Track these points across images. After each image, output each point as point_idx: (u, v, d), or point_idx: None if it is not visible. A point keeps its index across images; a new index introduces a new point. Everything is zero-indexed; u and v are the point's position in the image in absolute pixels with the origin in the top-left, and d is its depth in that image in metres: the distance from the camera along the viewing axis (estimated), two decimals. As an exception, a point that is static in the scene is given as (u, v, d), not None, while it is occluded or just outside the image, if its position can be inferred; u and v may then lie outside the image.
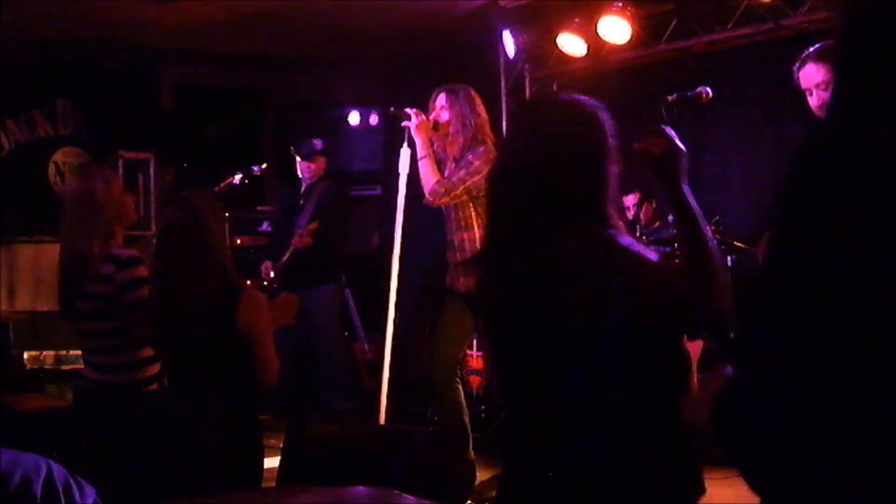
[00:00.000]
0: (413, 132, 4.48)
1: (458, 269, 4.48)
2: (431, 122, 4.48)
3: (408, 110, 4.49)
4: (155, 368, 3.59)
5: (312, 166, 6.18)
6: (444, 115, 4.48)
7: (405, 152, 4.54)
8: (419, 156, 4.46)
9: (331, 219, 6.04)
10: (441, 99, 4.51)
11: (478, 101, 4.51)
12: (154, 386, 3.58)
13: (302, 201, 6.16)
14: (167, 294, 3.18)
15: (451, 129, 4.46)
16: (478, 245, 4.42)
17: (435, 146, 4.52)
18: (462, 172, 4.36)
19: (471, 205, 4.42)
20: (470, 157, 4.38)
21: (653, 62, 6.09)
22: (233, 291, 3.13)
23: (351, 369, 6.67)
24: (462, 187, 4.35)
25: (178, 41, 7.24)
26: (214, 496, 2.90)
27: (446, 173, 4.46)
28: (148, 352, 3.53)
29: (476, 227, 4.43)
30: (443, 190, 4.37)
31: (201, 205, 3.21)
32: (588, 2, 5.90)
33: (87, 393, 3.68)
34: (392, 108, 4.62)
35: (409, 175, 4.63)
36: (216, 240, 3.18)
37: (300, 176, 6.24)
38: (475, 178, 4.34)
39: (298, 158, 6.20)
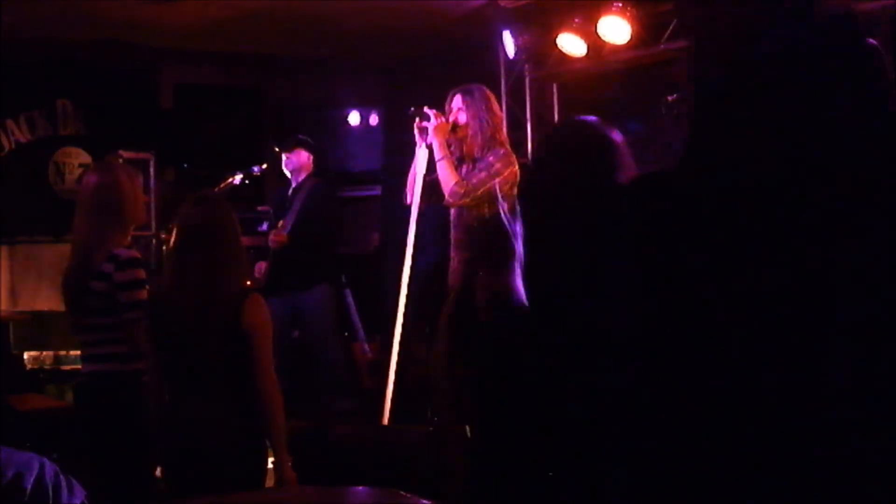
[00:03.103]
0: (431, 133, 4.49)
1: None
2: (451, 124, 4.50)
3: (427, 111, 4.51)
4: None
5: (293, 158, 6.15)
6: (462, 117, 4.51)
7: (422, 152, 4.55)
8: (437, 157, 4.48)
9: (317, 217, 6.02)
10: (457, 100, 4.53)
11: (493, 100, 4.55)
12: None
13: (290, 200, 6.15)
14: (178, 293, 3.18)
15: (469, 131, 4.48)
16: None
17: (451, 147, 4.54)
18: (483, 174, 4.38)
19: (486, 206, 4.44)
20: (491, 158, 4.41)
21: (653, 62, 6.09)
22: (238, 293, 3.15)
23: (351, 369, 6.67)
24: (483, 189, 4.38)
25: (178, 41, 7.24)
26: (215, 496, 2.90)
27: (463, 173, 4.47)
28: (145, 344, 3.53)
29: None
30: (462, 191, 4.39)
31: (219, 206, 3.24)
32: (588, 2, 5.90)
33: (87, 385, 3.69)
34: (412, 108, 4.63)
35: (403, 176, 4.64)
36: (232, 241, 3.20)
37: (285, 171, 6.23)
38: (496, 180, 4.37)
39: (281, 153, 6.19)
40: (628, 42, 5.87)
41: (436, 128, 4.48)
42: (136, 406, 3.48)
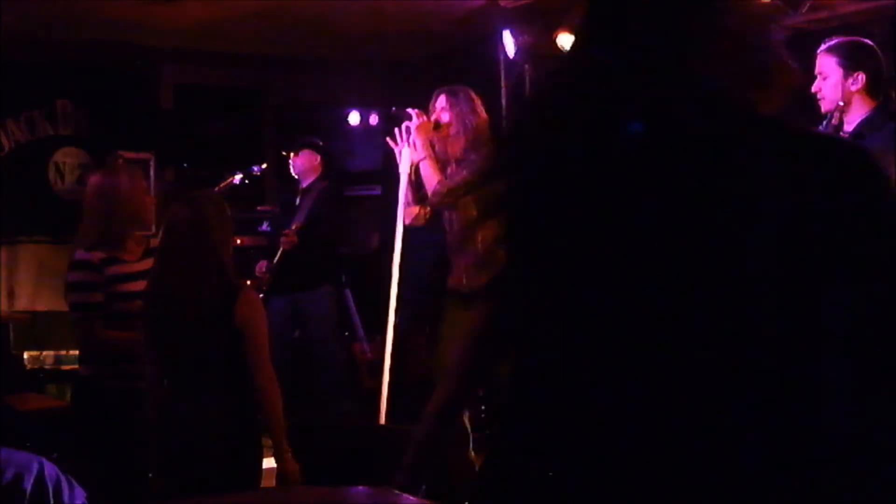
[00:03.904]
0: (413, 133, 4.49)
1: (462, 269, 4.49)
2: (432, 122, 4.50)
3: (409, 110, 4.51)
4: (126, 366, 3.55)
5: (297, 160, 6.14)
6: (445, 117, 4.50)
7: (406, 153, 4.55)
8: (420, 157, 4.47)
9: (325, 220, 6.02)
10: (441, 100, 4.52)
11: (478, 101, 4.53)
12: (126, 383, 3.55)
13: (298, 201, 6.15)
14: (165, 291, 3.20)
15: (451, 131, 4.48)
16: (479, 246, 4.43)
17: (436, 147, 4.53)
18: (465, 172, 4.37)
19: (472, 205, 4.42)
20: (474, 157, 4.39)
21: (653, 62, 6.08)
22: (230, 288, 3.15)
23: (351, 370, 6.67)
24: (466, 188, 4.36)
25: (178, 41, 7.24)
26: (214, 496, 2.90)
27: (448, 174, 4.47)
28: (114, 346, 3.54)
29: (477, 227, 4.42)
30: (445, 190, 4.38)
31: (207, 205, 3.25)
32: (588, 2, 5.90)
33: (77, 387, 3.74)
34: (393, 109, 4.64)
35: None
36: (218, 241, 3.20)
37: (294, 175, 6.23)
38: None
39: (288, 156, 6.19)
40: (628, 42, 5.86)
41: (417, 127, 4.47)
42: (108, 410, 3.50)
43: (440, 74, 5.31)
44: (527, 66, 6.78)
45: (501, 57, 6.73)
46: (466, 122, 4.45)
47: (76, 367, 4.82)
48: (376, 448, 4.06)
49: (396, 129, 4.59)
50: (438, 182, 4.40)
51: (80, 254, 3.60)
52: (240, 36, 7.13)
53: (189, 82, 8.02)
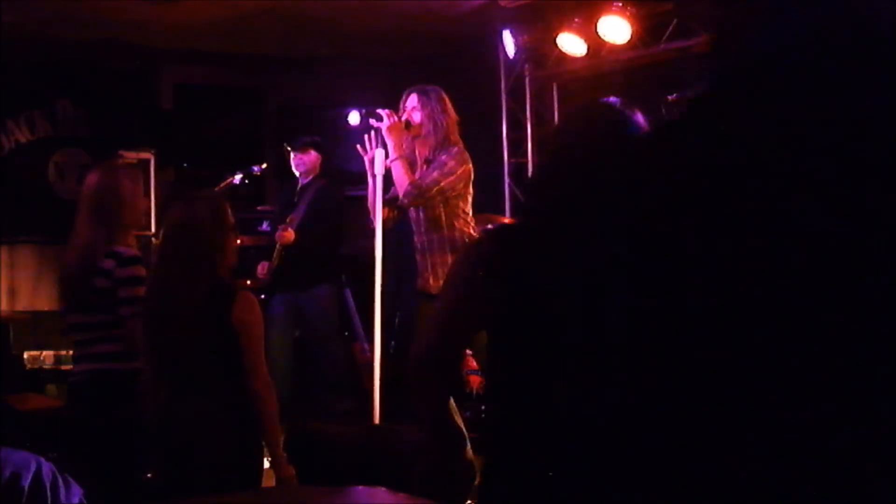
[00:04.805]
0: (385, 133, 4.46)
1: (429, 269, 4.47)
2: (403, 122, 4.48)
3: (380, 111, 4.49)
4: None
5: (305, 158, 6.13)
6: (416, 116, 4.47)
7: (379, 154, 4.52)
8: (391, 157, 4.43)
9: (323, 218, 6.01)
10: (412, 99, 4.50)
11: (448, 102, 4.49)
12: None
13: (297, 199, 6.14)
14: (161, 292, 3.21)
15: (423, 131, 4.46)
16: (447, 245, 4.43)
17: (404, 147, 4.52)
18: (436, 173, 4.35)
19: (441, 206, 4.41)
20: (444, 157, 4.37)
21: (653, 62, 6.09)
22: (227, 291, 3.15)
23: (351, 369, 6.67)
24: (436, 188, 4.34)
25: (178, 41, 7.24)
26: (214, 496, 2.90)
27: (418, 175, 4.44)
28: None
29: (445, 227, 4.42)
30: (416, 191, 4.36)
31: (203, 206, 3.24)
32: (588, 2, 5.91)
33: (83, 385, 3.70)
34: (363, 111, 4.62)
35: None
36: (213, 242, 3.20)
37: (295, 171, 6.22)
38: (449, 179, 4.34)
39: (291, 152, 6.18)
40: (628, 42, 5.87)
41: (389, 128, 4.44)
42: (131, 405, 3.49)
43: (440, 74, 5.30)
44: (527, 66, 6.79)
45: (501, 57, 6.74)
46: (437, 121, 4.42)
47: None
48: (376, 448, 4.06)
49: (366, 136, 4.57)
50: (409, 183, 4.37)
51: (125, 249, 3.60)
52: (240, 36, 7.14)
53: (189, 82, 8.03)
